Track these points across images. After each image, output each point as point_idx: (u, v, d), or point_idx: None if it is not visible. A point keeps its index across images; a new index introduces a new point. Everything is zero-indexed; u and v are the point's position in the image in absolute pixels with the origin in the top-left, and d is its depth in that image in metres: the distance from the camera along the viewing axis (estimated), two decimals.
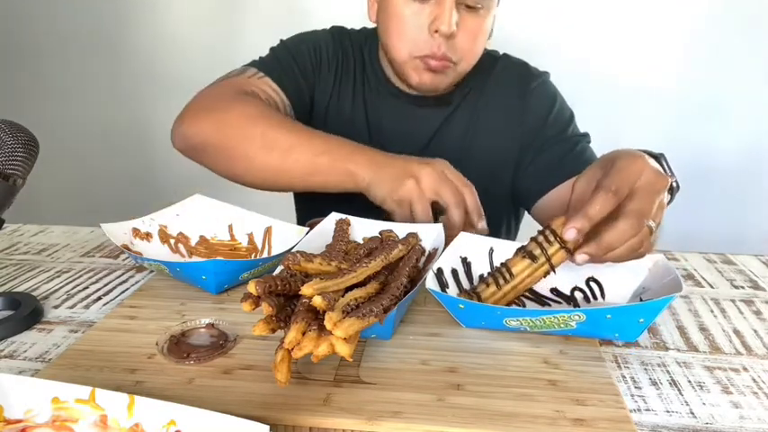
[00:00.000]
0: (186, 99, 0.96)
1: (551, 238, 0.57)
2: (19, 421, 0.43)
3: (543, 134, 0.97)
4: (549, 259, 0.58)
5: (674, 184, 0.68)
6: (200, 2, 1.89)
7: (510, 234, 1.09)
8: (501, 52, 1.06)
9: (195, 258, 0.78)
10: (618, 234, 0.55)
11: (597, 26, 1.74)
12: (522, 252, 0.59)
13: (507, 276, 0.59)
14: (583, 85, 1.77)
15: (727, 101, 1.76)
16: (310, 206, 1.06)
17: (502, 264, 0.60)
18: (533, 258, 0.58)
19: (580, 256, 0.56)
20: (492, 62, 1.02)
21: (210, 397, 0.50)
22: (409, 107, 0.99)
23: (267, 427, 0.38)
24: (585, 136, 0.99)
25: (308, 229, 0.75)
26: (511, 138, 0.98)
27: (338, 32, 1.04)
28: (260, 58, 1.00)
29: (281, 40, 1.03)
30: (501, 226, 1.05)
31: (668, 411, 0.51)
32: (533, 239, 0.59)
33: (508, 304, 0.61)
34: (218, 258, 0.76)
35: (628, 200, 0.55)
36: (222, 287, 0.68)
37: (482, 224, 0.74)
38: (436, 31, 0.85)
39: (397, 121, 0.99)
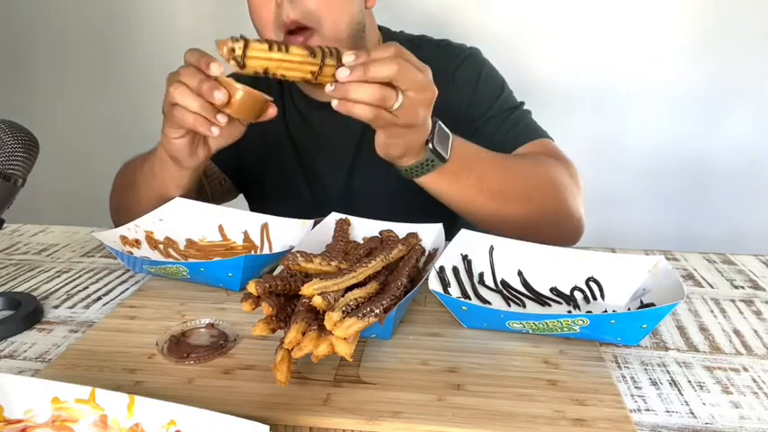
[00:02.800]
0: None
1: (333, 56, 0.61)
2: (19, 421, 0.43)
3: (470, 117, 0.91)
4: (321, 66, 0.61)
5: (439, 124, 0.70)
6: (203, 0, 1.89)
7: (468, 223, 1.04)
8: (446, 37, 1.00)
9: (191, 261, 0.77)
10: (378, 65, 0.59)
11: (596, 26, 1.73)
12: (307, 46, 0.62)
13: (283, 48, 0.61)
14: (582, 86, 1.77)
15: (727, 101, 1.76)
16: (260, 207, 1.04)
17: (284, 41, 0.63)
18: (312, 53, 0.61)
19: (341, 69, 0.59)
20: (411, 49, 0.99)
21: (210, 397, 0.50)
22: (328, 115, 0.97)
23: (267, 427, 0.38)
24: (518, 107, 0.93)
25: (312, 221, 0.75)
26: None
27: None
28: None
29: None
30: (454, 218, 1.02)
31: (668, 411, 0.51)
32: (320, 47, 0.62)
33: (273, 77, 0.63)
34: (246, 255, 0.75)
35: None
36: (244, 284, 0.68)
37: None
38: None
39: (322, 132, 0.97)
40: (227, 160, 0.95)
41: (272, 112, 0.71)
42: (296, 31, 0.80)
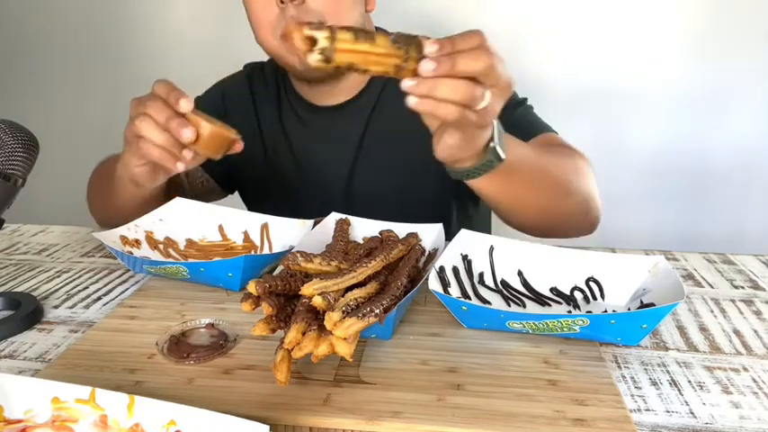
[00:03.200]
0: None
1: (413, 45, 0.51)
2: (19, 421, 0.43)
3: None
4: (406, 58, 0.51)
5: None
6: (202, 0, 1.89)
7: (472, 222, 1.03)
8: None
9: (191, 261, 0.77)
10: (467, 57, 0.50)
11: (596, 26, 1.73)
12: (392, 34, 0.51)
13: (369, 38, 0.50)
14: (582, 86, 1.77)
15: (726, 101, 1.76)
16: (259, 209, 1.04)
17: (363, 30, 0.51)
18: (395, 42, 0.50)
19: (426, 62, 0.50)
20: None
21: (210, 397, 0.50)
22: (327, 119, 0.95)
23: (267, 427, 0.38)
24: (522, 102, 0.92)
25: (312, 221, 0.76)
26: None
27: (252, 70, 1.03)
28: None
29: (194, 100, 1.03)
30: (451, 213, 0.99)
31: (668, 411, 0.51)
32: (401, 34, 0.52)
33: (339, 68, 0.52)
34: (246, 255, 0.75)
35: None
36: (244, 284, 0.67)
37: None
38: (282, 1, 0.79)
39: (321, 136, 0.96)
40: (213, 166, 0.95)
41: (238, 147, 0.71)
42: None
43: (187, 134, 0.65)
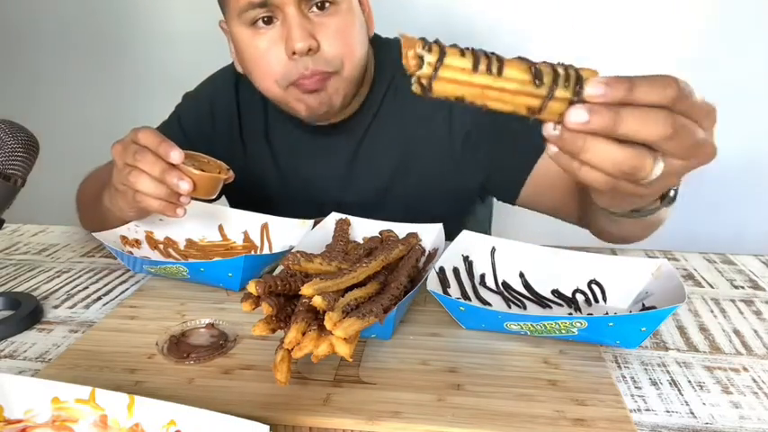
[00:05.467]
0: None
1: (569, 83, 0.39)
2: (19, 421, 0.43)
3: (480, 119, 0.84)
4: (549, 97, 0.39)
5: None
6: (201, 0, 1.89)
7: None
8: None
9: (191, 261, 0.77)
10: (640, 117, 0.38)
11: (596, 26, 1.73)
12: (530, 65, 0.40)
13: (494, 69, 0.39)
14: None
15: (727, 101, 1.76)
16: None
17: (496, 55, 0.39)
18: (537, 79, 0.39)
19: (576, 111, 0.38)
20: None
21: (210, 397, 0.50)
22: (321, 137, 0.90)
23: (267, 427, 0.38)
24: None
25: (312, 221, 0.76)
26: (442, 136, 0.87)
27: (240, 75, 0.95)
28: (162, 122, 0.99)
29: (183, 97, 1.01)
30: (461, 227, 1.00)
31: (668, 411, 0.51)
32: (550, 65, 0.40)
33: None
34: (246, 255, 0.75)
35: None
36: (244, 284, 0.67)
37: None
38: (294, 53, 0.74)
39: (308, 155, 0.92)
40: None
41: (230, 179, 0.71)
42: (306, 78, 0.77)
43: (184, 186, 0.65)
